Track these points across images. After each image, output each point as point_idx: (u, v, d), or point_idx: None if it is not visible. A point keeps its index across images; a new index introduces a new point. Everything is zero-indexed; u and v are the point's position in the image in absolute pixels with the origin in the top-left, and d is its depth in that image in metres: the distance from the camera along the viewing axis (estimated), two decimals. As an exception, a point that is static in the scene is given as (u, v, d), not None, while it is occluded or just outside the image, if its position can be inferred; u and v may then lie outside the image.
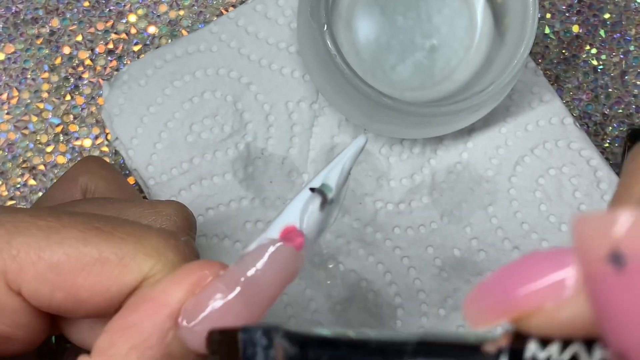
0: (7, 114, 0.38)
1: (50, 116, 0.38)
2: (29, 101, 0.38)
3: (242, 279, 0.17)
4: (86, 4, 0.39)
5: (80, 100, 0.38)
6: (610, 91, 0.39)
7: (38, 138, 0.38)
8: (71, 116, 0.38)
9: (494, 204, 0.36)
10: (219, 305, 0.17)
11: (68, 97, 0.38)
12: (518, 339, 0.15)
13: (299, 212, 0.18)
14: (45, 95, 0.38)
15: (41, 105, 0.38)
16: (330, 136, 0.36)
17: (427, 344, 0.16)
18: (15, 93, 0.38)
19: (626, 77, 0.39)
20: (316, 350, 0.16)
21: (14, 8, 0.39)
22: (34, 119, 0.38)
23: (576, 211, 0.36)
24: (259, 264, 0.17)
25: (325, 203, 0.18)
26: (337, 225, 0.35)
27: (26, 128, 0.38)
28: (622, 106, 0.39)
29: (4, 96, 0.38)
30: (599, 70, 0.40)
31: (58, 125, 0.38)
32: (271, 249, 0.18)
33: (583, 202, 0.36)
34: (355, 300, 0.35)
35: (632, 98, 0.39)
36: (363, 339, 0.16)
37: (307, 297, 0.35)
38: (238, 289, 0.17)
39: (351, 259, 0.35)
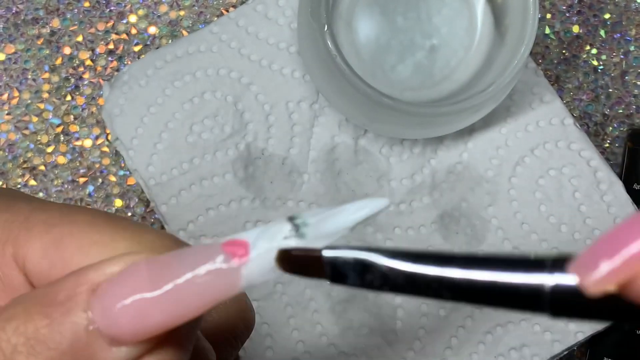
0: (8, 114, 0.38)
1: (50, 116, 0.38)
2: (29, 101, 0.38)
3: (167, 278, 0.16)
4: (87, 4, 0.39)
5: (80, 100, 0.38)
6: (610, 91, 0.39)
7: (38, 138, 0.38)
8: (72, 116, 0.38)
9: (494, 205, 0.36)
10: (136, 298, 0.16)
11: (68, 98, 0.38)
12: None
13: (257, 231, 0.16)
14: (45, 95, 0.38)
15: (42, 106, 0.38)
16: (331, 136, 0.36)
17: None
18: (16, 93, 0.38)
19: (626, 78, 0.39)
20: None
21: (14, 8, 0.39)
22: (35, 119, 0.38)
23: (576, 212, 0.35)
24: (189, 269, 0.16)
25: (289, 237, 0.16)
26: (337, 226, 0.35)
27: (27, 128, 0.38)
28: (623, 106, 0.39)
29: (5, 96, 0.38)
30: (599, 70, 0.40)
31: (58, 125, 0.38)
32: (204, 251, 0.16)
33: (583, 203, 0.36)
34: (356, 300, 0.35)
35: (633, 98, 0.39)
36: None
37: (307, 297, 0.35)
38: (163, 285, 0.16)
39: (351, 259, 0.35)
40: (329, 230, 0.16)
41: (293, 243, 0.16)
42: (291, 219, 0.16)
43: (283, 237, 0.16)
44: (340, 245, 0.16)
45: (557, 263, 0.15)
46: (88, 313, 0.16)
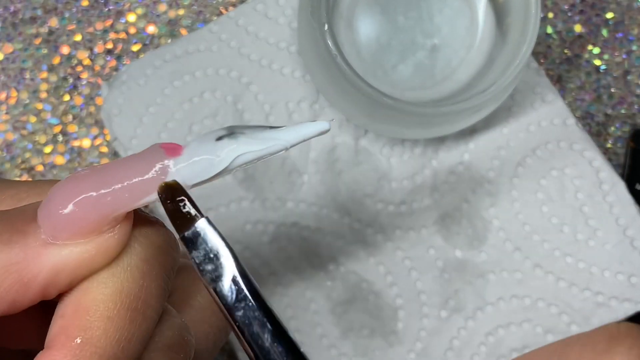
0: (6, 114, 0.37)
1: (49, 116, 0.38)
2: (27, 101, 0.38)
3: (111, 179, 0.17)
4: (85, 3, 0.39)
5: (79, 100, 0.38)
6: (613, 91, 0.39)
7: (37, 138, 0.37)
8: (70, 116, 0.38)
9: (496, 205, 0.35)
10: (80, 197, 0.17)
11: (67, 97, 0.38)
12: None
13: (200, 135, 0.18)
14: (44, 95, 0.38)
15: (40, 106, 0.38)
16: (331, 136, 0.36)
17: None
18: (14, 93, 0.38)
19: (629, 77, 0.39)
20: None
21: (12, 7, 0.38)
22: (33, 119, 0.37)
23: (578, 213, 0.35)
24: (117, 164, 0.17)
25: (225, 137, 0.17)
26: (337, 226, 0.35)
27: (25, 128, 0.37)
28: (625, 106, 0.39)
29: (3, 96, 0.38)
30: (601, 70, 0.39)
31: (57, 125, 0.37)
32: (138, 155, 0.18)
33: (585, 204, 0.35)
34: (356, 301, 0.35)
35: (635, 98, 0.39)
36: None
37: (308, 299, 0.34)
38: (99, 190, 0.17)
39: (352, 261, 0.35)
40: (263, 137, 0.17)
41: (225, 144, 0.17)
42: (230, 127, 0.17)
43: (216, 138, 0.17)
44: (217, 228, 0.17)
45: None
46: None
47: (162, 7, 0.39)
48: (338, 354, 0.34)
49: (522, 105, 0.36)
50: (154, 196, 0.17)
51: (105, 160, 0.37)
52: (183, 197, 0.17)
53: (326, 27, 0.31)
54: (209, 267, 0.17)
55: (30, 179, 0.37)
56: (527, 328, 0.34)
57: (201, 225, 0.17)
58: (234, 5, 0.39)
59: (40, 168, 0.37)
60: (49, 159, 0.37)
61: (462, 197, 0.36)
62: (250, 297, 0.17)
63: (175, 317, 0.19)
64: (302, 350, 0.17)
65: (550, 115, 0.36)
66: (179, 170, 0.17)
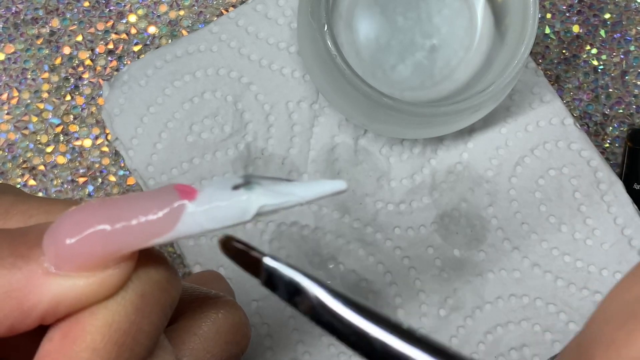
0: (7, 114, 0.38)
1: (50, 116, 0.38)
2: (29, 101, 0.38)
3: (115, 216, 0.17)
4: (86, 4, 0.39)
5: (80, 100, 0.38)
6: (610, 91, 0.39)
7: (38, 138, 0.38)
8: (71, 116, 0.38)
9: (494, 205, 0.36)
10: (89, 231, 0.17)
11: (68, 98, 0.38)
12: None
13: (214, 181, 0.17)
14: (45, 95, 0.38)
15: (41, 106, 0.38)
16: (331, 136, 0.36)
17: None
18: (16, 93, 0.38)
19: (627, 77, 0.39)
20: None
21: (14, 8, 0.39)
22: (34, 119, 0.38)
23: (576, 212, 0.35)
24: (134, 204, 0.17)
25: (241, 186, 0.17)
26: (337, 225, 0.35)
27: (26, 128, 0.38)
28: (623, 106, 0.39)
29: (4, 96, 0.38)
30: (599, 70, 0.39)
31: (58, 125, 0.38)
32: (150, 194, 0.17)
33: (583, 203, 0.36)
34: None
35: (633, 98, 0.39)
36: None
37: (307, 298, 0.35)
38: (110, 224, 0.17)
39: (351, 259, 0.35)
40: (279, 191, 0.17)
41: (241, 193, 0.17)
42: (246, 176, 0.17)
43: (232, 186, 0.17)
44: (282, 260, 0.17)
45: None
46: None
47: (163, 8, 0.39)
48: (337, 352, 0.34)
49: (520, 105, 0.36)
50: (164, 238, 0.17)
51: (105, 160, 0.37)
52: (244, 248, 0.17)
53: (326, 27, 0.31)
54: (298, 299, 0.17)
55: (31, 179, 0.37)
56: (526, 327, 0.35)
57: (269, 264, 0.17)
58: (234, 5, 0.39)
59: (41, 168, 0.37)
60: (50, 158, 0.37)
61: (460, 196, 0.36)
62: (343, 316, 0.16)
63: (168, 355, 0.19)
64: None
65: (548, 115, 0.36)
66: (193, 214, 0.17)
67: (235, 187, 0.17)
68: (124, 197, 0.17)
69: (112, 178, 0.37)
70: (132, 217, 0.17)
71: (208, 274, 0.26)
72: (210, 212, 0.17)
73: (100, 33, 0.39)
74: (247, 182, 0.17)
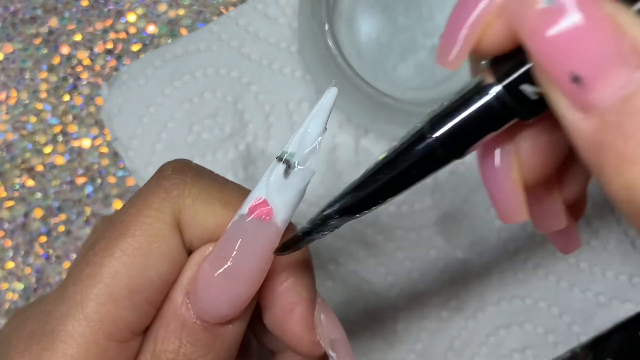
0: (6, 114, 0.37)
1: (48, 116, 0.37)
2: (27, 101, 0.38)
3: (220, 257, 0.19)
4: (85, 3, 0.38)
5: (79, 100, 0.38)
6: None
7: (36, 139, 0.37)
8: (70, 116, 0.38)
9: (497, 205, 0.35)
10: (210, 285, 0.19)
11: (67, 97, 0.38)
12: (497, 67, 0.17)
13: (264, 183, 0.19)
14: (43, 95, 0.38)
15: (40, 106, 0.38)
16: (331, 136, 0.36)
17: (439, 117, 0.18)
18: (14, 93, 0.38)
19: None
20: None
21: (12, 7, 0.38)
22: (33, 119, 0.37)
23: (579, 212, 0.35)
24: (232, 241, 0.19)
25: (288, 169, 0.19)
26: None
27: (24, 128, 0.37)
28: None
29: (2, 96, 0.38)
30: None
31: (57, 125, 0.37)
32: (239, 225, 0.19)
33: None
34: (356, 303, 0.34)
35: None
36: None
37: (308, 299, 0.34)
38: (221, 268, 0.19)
39: (352, 261, 0.35)
40: (310, 143, 0.19)
41: (295, 174, 0.19)
42: (279, 158, 0.19)
43: (284, 175, 0.19)
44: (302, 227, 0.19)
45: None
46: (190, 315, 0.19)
47: (162, 7, 0.39)
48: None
49: (523, 105, 0.36)
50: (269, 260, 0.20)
51: (104, 161, 0.37)
52: (285, 245, 0.20)
53: (326, 27, 0.31)
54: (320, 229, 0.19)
55: (30, 179, 0.37)
56: (528, 328, 0.34)
57: (298, 233, 0.19)
58: (234, 5, 0.39)
59: (40, 168, 0.37)
60: (49, 159, 0.37)
61: (463, 197, 0.35)
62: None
63: None
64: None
65: (551, 115, 0.36)
66: (284, 222, 0.20)
67: (287, 174, 0.19)
68: (240, 253, 0.19)
69: (112, 179, 0.37)
70: (259, 282, 0.20)
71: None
72: (291, 209, 0.20)
73: (99, 32, 0.38)
74: (288, 163, 0.19)
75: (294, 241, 0.19)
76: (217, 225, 0.20)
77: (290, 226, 0.20)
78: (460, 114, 0.17)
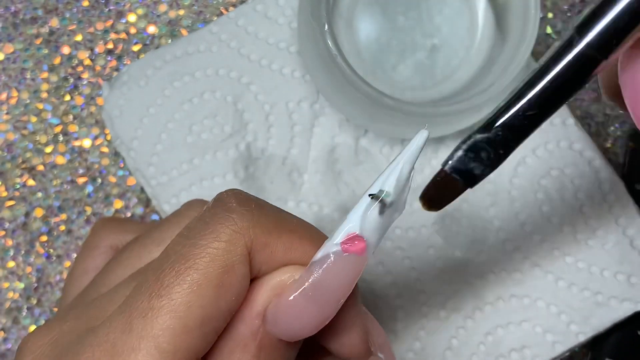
0: (7, 114, 0.37)
1: (49, 116, 0.38)
2: (28, 101, 0.38)
3: (312, 285, 0.20)
4: (85, 3, 0.39)
5: (79, 100, 0.38)
6: (612, 91, 0.39)
7: (37, 138, 0.37)
8: (71, 116, 0.38)
9: (495, 205, 0.35)
10: (295, 309, 0.20)
11: (67, 97, 0.38)
12: None
13: (359, 219, 0.20)
14: (44, 95, 0.38)
15: (40, 106, 0.38)
16: (331, 136, 0.36)
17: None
18: (15, 93, 0.38)
19: (628, 77, 0.39)
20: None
21: (13, 7, 0.38)
22: (33, 119, 0.38)
23: (578, 213, 0.35)
24: (325, 271, 0.20)
25: (384, 208, 0.20)
26: (337, 226, 0.35)
27: (25, 128, 0.37)
28: (624, 106, 0.39)
29: (3, 96, 0.38)
30: (601, 70, 0.39)
31: (57, 125, 0.38)
32: (334, 256, 0.20)
33: (585, 204, 0.35)
34: (356, 301, 0.35)
35: (634, 98, 0.39)
36: None
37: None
38: (310, 294, 0.20)
39: (352, 260, 0.35)
40: (398, 184, 0.20)
41: (390, 213, 0.20)
42: (376, 197, 0.20)
43: (379, 214, 0.20)
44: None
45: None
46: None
47: (163, 8, 0.39)
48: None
49: (521, 105, 0.36)
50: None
51: (105, 161, 0.37)
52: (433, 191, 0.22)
53: (326, 27, 0.31)
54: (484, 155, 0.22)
55: (31, 179, 0.37)
56: (527, 328, 0.35)
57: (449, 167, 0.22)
58: (234, 5, 0.39)
59: (40, 168, 0.37)
60: (49, 158, 0.37)
61: (462, 197, 0.36)
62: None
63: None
64: None
65: (549, 115, 0.36)
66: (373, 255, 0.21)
67: (381, 213, 0.20)
68: (323, 278, 0.20)
69: (112, 179, 0.37)
70: (337, 307, 0.21)
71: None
72: (379, 243, 0.21)
73: (99, 33, 0.38)
74: (383, 202, 0.20)
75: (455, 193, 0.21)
76: (285, 251, 0.21)
77: None
78: (604, 16, 0.18)
